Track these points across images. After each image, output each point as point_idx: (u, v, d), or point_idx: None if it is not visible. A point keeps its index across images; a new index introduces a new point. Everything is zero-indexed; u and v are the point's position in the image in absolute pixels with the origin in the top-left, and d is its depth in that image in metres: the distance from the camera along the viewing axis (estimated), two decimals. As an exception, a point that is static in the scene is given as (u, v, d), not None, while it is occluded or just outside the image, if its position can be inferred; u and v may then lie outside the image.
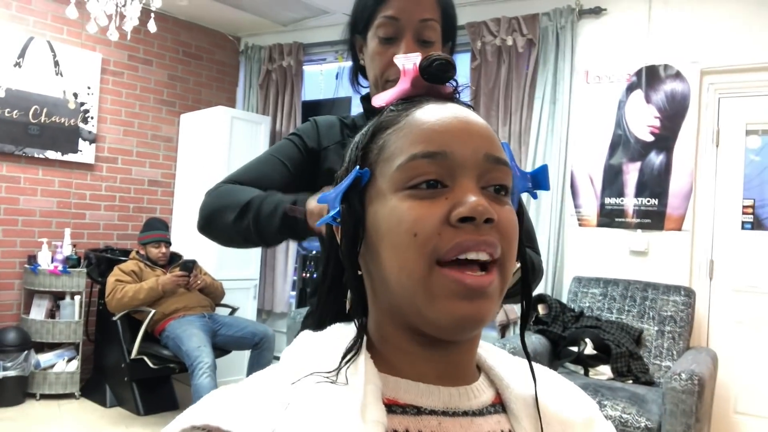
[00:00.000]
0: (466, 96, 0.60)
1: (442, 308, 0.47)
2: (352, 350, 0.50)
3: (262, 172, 1.09)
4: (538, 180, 0.57)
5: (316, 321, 0.59)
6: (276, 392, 0.46)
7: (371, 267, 0.52)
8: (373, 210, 0.51)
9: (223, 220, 1.00)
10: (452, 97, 0.57)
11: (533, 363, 0.60)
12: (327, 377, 0.48)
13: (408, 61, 0.57)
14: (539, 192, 0.58)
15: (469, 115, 0.53)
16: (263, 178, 1.07)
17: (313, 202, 0.92)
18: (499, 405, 0.55)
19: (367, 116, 1.16)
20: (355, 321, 0.53)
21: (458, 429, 0.50)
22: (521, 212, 0.57)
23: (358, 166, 0.53)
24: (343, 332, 0.54)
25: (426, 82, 0.56)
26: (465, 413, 0.51)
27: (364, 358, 0.50)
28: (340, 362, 0.49)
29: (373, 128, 0.55)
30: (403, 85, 0.57)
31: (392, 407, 0.49)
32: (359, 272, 0.54)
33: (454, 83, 0.57)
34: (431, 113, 0.52)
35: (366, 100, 1.18)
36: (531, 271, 0.95)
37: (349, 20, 1.14)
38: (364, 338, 0.52)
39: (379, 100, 0.59)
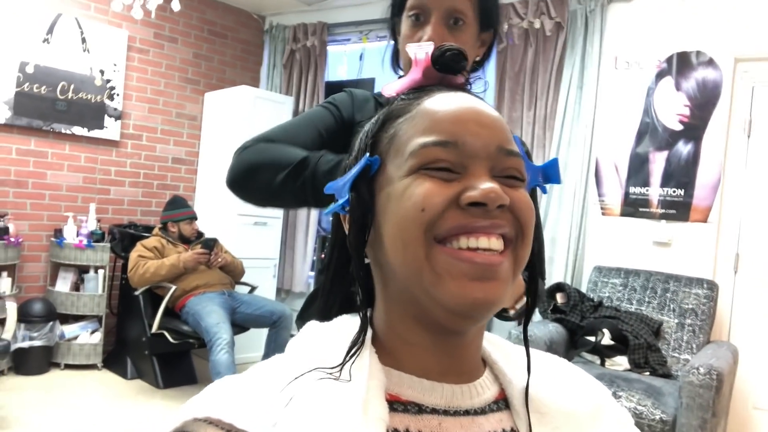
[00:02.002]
0: (478, 88, 0.59)
1: (452, 289, 0.46)
2: (356, 344, 0.50)
3: (297, 135, 1.05)
4: (548, 174, 0.56)
5: (321, 309, 0.59)
6: (279, 386, 0.46)
7: (379, 255, 0.52)
8: (385, 194, 0.51)
9: (268, 177, 0.96)
10: (463, 88, 0.56)
11: (540, 353, 0.60)
12: (330, 373, 0.47)
13: (420, 51, 0.56)
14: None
15: (480, 105, 0.52)
16: (297, 142, 1.03)
17: None
18: (503, 401, 0.54)
19: None
20: (359, 313, 0.53)
21: (458, 428, 0.49)
22: (534, 205, 0.56)
23: (368, 154, 0.52)
24: (349, 324, 0.54)
25: (437, 73, 0.55)
26: (467, 412, 0.51)
27: (368, 352, 0.50)
28: (345, 357, 0.49)
29: (384, 117, 0.54)
30: (414, 75, 0.57)
31: (394, 404, 0.48)
32: (366, 261, 0.54)
33: (466, 75, 0.57)
34: (443, 102, 0.51)
35: None
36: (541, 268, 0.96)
37: (390, 2, 1.13)
38: (369, 333, 0.52)
39: (389, 89, 0.58)
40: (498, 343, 0.59)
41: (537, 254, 0.56)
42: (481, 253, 0.47)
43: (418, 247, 0.47)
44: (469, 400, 0.51)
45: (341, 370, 0.48)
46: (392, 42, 1.17)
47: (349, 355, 0.49)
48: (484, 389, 0.53)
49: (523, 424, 0.52)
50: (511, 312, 0.93)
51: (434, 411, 0.49)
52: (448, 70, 0.55)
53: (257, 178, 0.99)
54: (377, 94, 1.15)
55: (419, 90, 0.55)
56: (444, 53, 0.55)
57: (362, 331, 0.51)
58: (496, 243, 0.47)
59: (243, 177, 1.00)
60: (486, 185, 0.47)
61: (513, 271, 0.49)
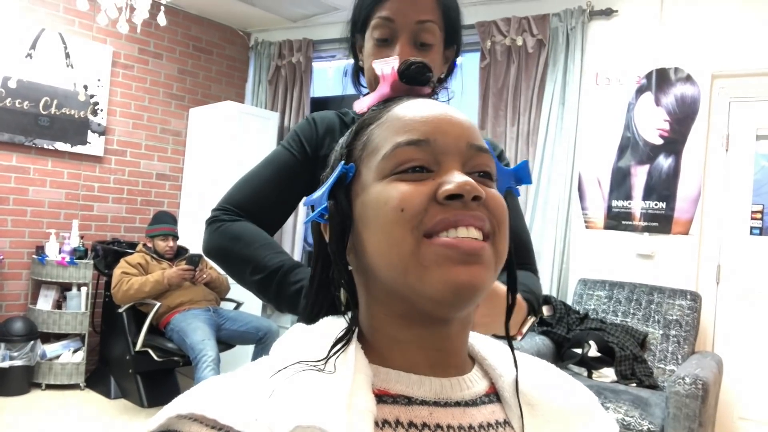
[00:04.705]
0: (443, 98, 0.63)
1: (438, 276, 0.47)
2: (342, 340, 0.50)
3: (259, 189, 1.07)
4: (520, 176, 0.59)
5: (307, 315, 0.60)
6: (263, 381, 0.46)
7: (361, 260, 0.52)
8: (360, 201, 0.52)
9: (240, 270, 1.00)
10: (431, 98, 0.59)
11: (528, 356, 0.60)
12: (314, 366, 0.47)
13: (387, 66, 0.59)
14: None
15: (449, 109, 0.54)
16: (262, 197, 1.06)
17: None
18: (494, 395, 0.55)
19: None
20: (344, 314, 0.53)
21: (450, 419, 0.49)
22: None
23: (343, 162, 0.53)
24: (334, 325, 0.54)
25: (405, 85, 0.59)
26: (457, 403, 0.51)
27: (354, 348, 0.50)
28: (329, 351, 0.49)
29: (357, 127, 0.56)
30: (382, 90, 0.60)
31: (383, 397, 0.48)
32: (348, 267, 0.54)
33: (432, 85, 0.60)
34: (413, 107, 0.54)
35: None
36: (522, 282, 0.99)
37: (350, 19, 1.12)
38: (356, 329, 0.52)
39: (360, 105, 0.61)
40: (485, 341, 0.60)
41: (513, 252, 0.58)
42: (464, 239, 0.48)
43: (405, 245, 0.47)
44: (459, 392, 0.51)
45: (326, 363, 0.48)
46: (353, 60, 1.15)
47: (335, 348, 0.49)
48: (474, 383, 0.53)
49: (515, 416, 0.53)
50: (519, 338, 0.94)
51: (424, 402, 0.49)
52: (415, 82, 0.58)
53: (230, 265, 1.02)
54: (342, 111, 1.14)
55: (389, 101, 0.57)
56: (409, 66, 0.58)
57: (350, 327, 0.51)
58: (476, 233, 0.48)
59: (217, 258, 1.04)
60: (461, 178, 0.48)
61: (494, 261, 0.50)
